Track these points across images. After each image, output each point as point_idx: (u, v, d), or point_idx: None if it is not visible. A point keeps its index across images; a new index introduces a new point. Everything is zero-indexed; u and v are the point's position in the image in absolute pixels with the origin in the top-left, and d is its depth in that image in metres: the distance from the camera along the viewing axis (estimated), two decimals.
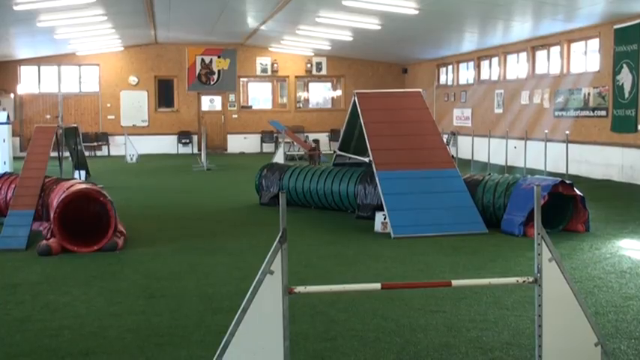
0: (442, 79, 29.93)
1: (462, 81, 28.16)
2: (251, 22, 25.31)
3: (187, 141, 31.46)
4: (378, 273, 8.40)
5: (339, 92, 33.30)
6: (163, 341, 5.91)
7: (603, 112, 19.08)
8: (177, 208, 14.19)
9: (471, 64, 27.27)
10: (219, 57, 31.81)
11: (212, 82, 31.92)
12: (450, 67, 29.12)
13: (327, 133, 31.82)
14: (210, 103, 32.51)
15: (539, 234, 4.59)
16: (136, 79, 31.15)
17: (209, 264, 8.99)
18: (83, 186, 10.68)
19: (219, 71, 31.87)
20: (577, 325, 4.68)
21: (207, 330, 6.14)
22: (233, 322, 4.41)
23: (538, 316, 4.64)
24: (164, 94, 31.80)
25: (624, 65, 18.08)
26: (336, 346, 5.72)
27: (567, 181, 10.95)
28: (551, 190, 10.44)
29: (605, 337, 5.50)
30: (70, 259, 9.33)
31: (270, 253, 4.39)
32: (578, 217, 10.99)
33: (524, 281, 4.70)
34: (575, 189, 10.87)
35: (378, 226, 11.13)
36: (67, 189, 10.40)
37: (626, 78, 18.05)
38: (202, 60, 31.69)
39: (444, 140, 23.10)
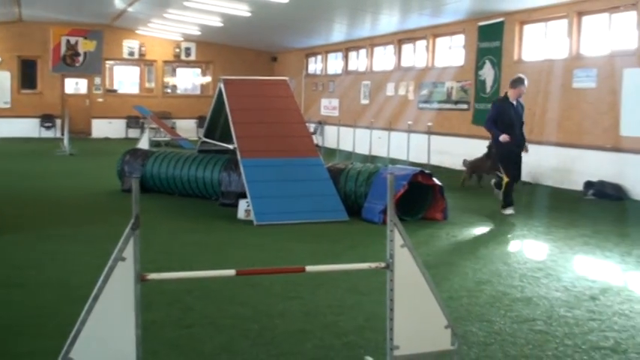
0: (311, 69, 30.16)
1: (331, 71, 28.46)
2: (118, 2, 24.71)
3: (50, 124, 30.52)
4: (239, 260, 8.38)
5: (208, 78, 33.02)
6: (19, 331, 5.70)
7: (465, 106, 19.71)
8: (38, 194, 13.73)
9: (340, 54, 27.58)
10: (85, 38, 30.96)
11: (77, 64, 31.03)
12: (319, 57, 29.38)
13: (195, 120, 31.47)
14: (75, 85, 31.62)
15: (391, 221, 4.69)
16: None
17: (69, 252, 8.74)
18: None
19: (84, 53, 31.02)
20: (428, 308, 4.80)
21: (63, 319, 5.94)
22: (84, 311, 4.30)
23: (390, 300, 4.74)
24: (27, 75, 30.67)
25: (487, 61, 18.73)
26: (192, 334, 5.68)
27: (426, 171, 11.24)
28: (411, 179, 10.70)
29: (456, 320, 5.69)
30: None
31: (122, 239, 4.30)
32: (437, 206, 11.32)
33: (376, 267, 4.79)
34: (434, 179, 11.18)
35: (241, 214, 11.11)
36: None
37: (488, 73, 18.70)
38: (68, 41, 30.74)
39: (311, 129, 23.38)
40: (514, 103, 11.90)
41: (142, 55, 31.89)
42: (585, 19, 15.95)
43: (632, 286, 7.52)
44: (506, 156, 11.93)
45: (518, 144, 11.86)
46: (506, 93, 12.09)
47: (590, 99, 15.28)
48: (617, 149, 14.57)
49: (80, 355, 4.27)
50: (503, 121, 11.75)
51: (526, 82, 12.01)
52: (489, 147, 14.59)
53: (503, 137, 11.61)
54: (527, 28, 17.85)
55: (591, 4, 15.58)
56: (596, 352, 5.42)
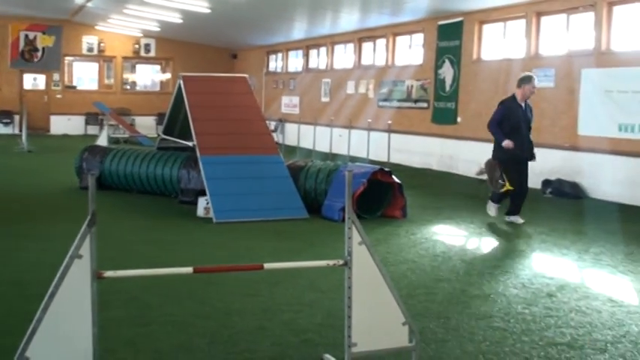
0: (272, 66, 30.11)
1: (291, 69, 28.44)
2: None
3: (8, 121, 30.11)
4: (198, 258, 8.33)
5: (167, 75, 32.81)
6: None
7: (425, 104, 19.80)
8: None
9: (300, 52, 27.58)
10: (44, 33, 30.53)
11: (36, 60, 30.60)
12: (279, 55, 29.34)
13: (154, 117, 31.19)
14: (34, 81, 31.23)
15: (349, 218, 4.69)
16: None
17: (25, 249, 8.61)
18: None
19: (43, 48, 30.60)
20: (386, 305, 4.81)
21: (18, 318, 5.86)
22: (40, 309, 4.24)
23: (348, 298, 4.75)
24: None
25: (446, 60, 18.85)
26: (150, 332, 5.63)
27: (386, 169, 11.28)
28: (370, 177, 10.73)
29: (414, 317, 5.71)
30: None
31: (78, 237, 4.26)
32: (396, 204, 11.35)
33: (334, 264, 4.80)
34: (393, 176, 11.21)
35: (200, 211, 11.04)
36: None
37: (447, 72, 18.82)
38: (26, 36, 30.32)
39: (272, 127, 23.34)
40: (522, 104, 10.84)
41: (101, 51, 31.59)
42: (544, 19, 16.11)
43: (589, 283, 7.61)
44: (510, 161, 10.81)
45: (525, 149, 10.77)
46: (514, 94, 10.93)
47: (549, 98, 15.43)
48: (574, 148, 14.74)
49: (36, 353, 4.21)
50: (510, 124, 10.71)
51: (535, 81, 10.92)
52: None
53: (507, 143, 10.55)
54: (486, 27, 18.00)
55: (550, 4, 15.74)
56: (553, 348, 5.48)
